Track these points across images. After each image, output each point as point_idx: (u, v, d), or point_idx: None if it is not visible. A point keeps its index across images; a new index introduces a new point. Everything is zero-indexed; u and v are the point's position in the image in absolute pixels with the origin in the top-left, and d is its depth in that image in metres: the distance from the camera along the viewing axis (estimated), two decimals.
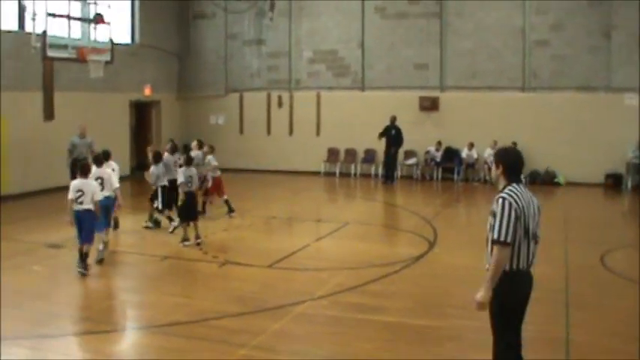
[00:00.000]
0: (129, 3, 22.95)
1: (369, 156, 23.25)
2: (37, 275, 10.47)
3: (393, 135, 21.66)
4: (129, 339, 7.98)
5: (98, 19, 16.64)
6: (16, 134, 17.85)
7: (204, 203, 15.00)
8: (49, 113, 19.07)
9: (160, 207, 13.69)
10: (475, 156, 21.72)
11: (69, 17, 16.28)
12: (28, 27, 16.40)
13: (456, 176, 22.25)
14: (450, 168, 22.33)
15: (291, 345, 7.53)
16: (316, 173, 23.49)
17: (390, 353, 7.21)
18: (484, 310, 5.22)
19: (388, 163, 21.94)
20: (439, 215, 16.04)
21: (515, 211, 5.15)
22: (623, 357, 7.01)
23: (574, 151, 20.81)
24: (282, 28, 24.32)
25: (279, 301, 8.96)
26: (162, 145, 18.79)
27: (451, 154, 22.31)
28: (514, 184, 5.35)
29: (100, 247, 10.89)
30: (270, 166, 24.13)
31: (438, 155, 22.36)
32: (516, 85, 21.74)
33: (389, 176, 21.89)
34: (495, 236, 5.13)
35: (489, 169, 19.50)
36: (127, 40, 22.89)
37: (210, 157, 15.16)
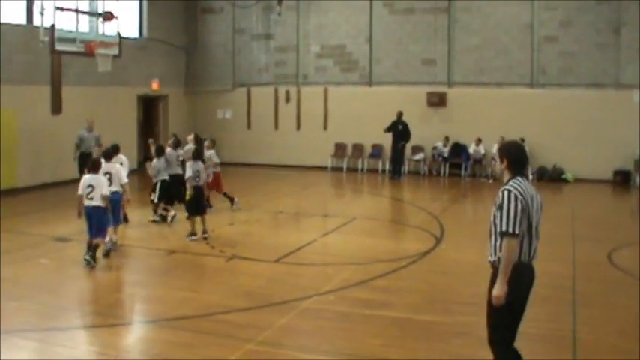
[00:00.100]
0: None
1: (377, 151, 23.22)
2: (45, 268, 10.51)
3: (399, 130, 21.63)
4: (136, 332, 8.00)
5: (107, 16, 16.66)
6: (25, 128, 17.92)
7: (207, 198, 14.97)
8: (57, 107, 19.12)
9: (156, 200, 13.70)
10: (482, 152, 21.67)
11: (77, 11, 16.30)
12: (37, 21, 16.43)
13: (463, 172, 22.21)
14: (457, 164, 22.28)
15: (297, 340, 7.55)
16: (323, 168, 23.49)
17: (396, 349, 7.20)
18: (502, 303, 5.25)
19: (395, 159, 21.92)
20: (446, 211, 16.02)
21: (521, 203, 5.22)
22: (629, 356, 6.97)
23: (582, 148, 20.74)
24: (290, 22, 24.30)
25: (285, 295, 8.97)
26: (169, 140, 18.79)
27: (458, 150, 22.26)
28: (518, 178, 5.40)
29: (107, 239, 10.92)
30: (278, 160, 24.14)
31: (446, 151, 22.32)
32: (524, 81, 21.67)
33: (396, 172, 21.87)
34: (504, 228, 5.19)
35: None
36: (135, 34, 22.92)
37: (211, 152, 15.11)
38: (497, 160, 5.66)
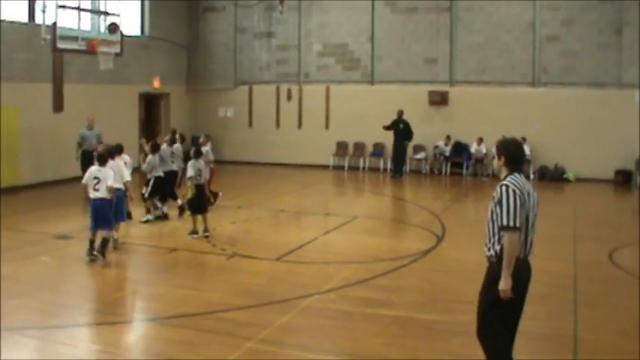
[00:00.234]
0: None
1: (378, 150, 23.22)
2: (46, 266, 10.50)
3: (401, 129, 21.62)
4: (137, 330, 8.00)
5: (112, 27, 16.71)
6: (26, 126, 17.93)
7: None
8: (58, 105, 19.13)
9: (146, 195, 13.70)
10: (484, 151, 21.65)
11: (79, 9, 16.31)
12: (39, 19, 16.44)
13: (464, 171, 22.20)
14: (458, 163, 22.27)
15: (298, 338, 7.54)
16: (325, 167, 23.49)
17: (397, 348, 7.19)
18: (510, 296, 5.28)
19: (397, 158, 21.91)
20: (448, 210, 16.01)
21: (520, 197, 5.28)
22: (630, 356, 6.96)
23: (584, 148, 20.72)
24: (291, 21, 24.29)
25: (286, 294, 8.96)
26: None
27: (460, 149, 22.25)
28: (515, 174, 5.44)
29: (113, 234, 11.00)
30: (279, 159, 24.14)
31: (447, 150, 22.31)
32: (526, 80, 21.65)
33: (397, 170, 21.86)
34: (505, 222, 5.25)
35: None
36: (137, 32, 22.91)
37: (206, 148, 15.07)
38: (495, 156, 5.70)
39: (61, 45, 15.91)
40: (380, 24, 23.20)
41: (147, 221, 13.51)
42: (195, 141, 15.66)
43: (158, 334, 7.66)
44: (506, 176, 5.44)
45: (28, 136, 18.01)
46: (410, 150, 22.48)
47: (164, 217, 14.02)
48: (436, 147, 22.51)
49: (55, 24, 15.48)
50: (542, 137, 21.09)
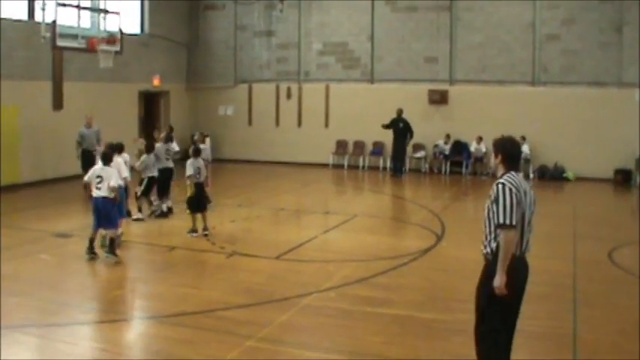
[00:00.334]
0: None
1: (378, 148, 23.22)
2: (46, 264, 10.51)
3: (400, 128, 21.62)
4: (136, 329, 8.00)
5: (110, 39, 16.72)
6: (26, 124, 17.92)
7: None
8: (58, 103, 19.12)
9: (139, 194, 13.69)
10: (484, 150, 21.63)
11: (79, 7, 16.30)
12: (38, 17, 16.43)
13: (464, 170, 22.20)
14: (458, 161, 22.27)
15: (297, 337, 7.54)
16: (324, 165, 23.48)
17: (397, 346, 7.20)
18: (505, 293, 5.30)
19: (396, 156, 21.91)
20: (447, 209, 16.01)
21: (516, 195, 5.30)
22: (630, 356, 6.96)
23: (583, 147, 20.72)
24: (291, 19, 24.28)
25: (286, 292, 8.97)
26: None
27: (460, 148, 22.25)
28: (512, 172, 5.47)
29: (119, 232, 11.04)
30: (279, 157, 24.13)
31: (447, 149, 22.30)
32: (526, 79, 21.64)
33: (397, 169, 21.86)
34: (501, 220, 5.26)
35: None
36: (137, 30, 22.90)
37: (204, 146, 15.02)
38: (492, 154, 5.72)
39: (60, 43, 15.91)
40: (380, 23, 23.19)
41: (137, 219, 13.48)
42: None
43: (158, 332, 7.66)
44: (502, 174, 5.47)
45: (28, 134, 18.01)
46: (409, 149, 22.47)
47: (165, 214, 14.02)
48: (436, 146, 22.51)
49: (54, 22, 15.47)
50: (542, 136, 21.09)
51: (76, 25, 16.20)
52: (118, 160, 11.51)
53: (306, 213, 15.81)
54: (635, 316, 8.08)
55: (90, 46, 16.63)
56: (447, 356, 6.97)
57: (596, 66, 20.73)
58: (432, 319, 8.07)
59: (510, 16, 21.68)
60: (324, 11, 23.89)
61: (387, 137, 22.09)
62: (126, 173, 11.48)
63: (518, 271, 5.41)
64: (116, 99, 21.23)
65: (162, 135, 14.93)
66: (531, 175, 20.88)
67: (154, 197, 14.21)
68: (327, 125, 24.03)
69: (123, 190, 11.35)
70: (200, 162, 12.57)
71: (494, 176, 5.57)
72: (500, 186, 5.34)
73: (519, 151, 5.65)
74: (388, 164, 22.68)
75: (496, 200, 5.32)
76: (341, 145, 23.73)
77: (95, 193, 10.38)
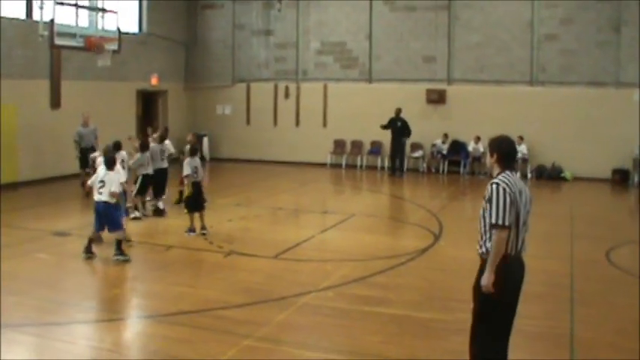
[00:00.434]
0: None
1: (376, 148, 23.22)
2: (43, 263, 10.51)
3: (398, 127, 21.63)
4: (134, 328, 8.01)
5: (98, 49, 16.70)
6: (25, 122, 17.90)
7: (181, 192, 14.42)
8: (56, 102, 19.09)
9: (134, 193, 13.69)
10: (481, 149, 21.62)
11: (77, 6, 16.28)
12: (36, 15, 16.40)
13: (462, 169, 22.22)
14: (456, 161, 22.28)
15: (295, 336, 7.54)
16: (322, 165, 23.48)
17: (395, 346, 7.21)
18: (492, 291, 5.30)
19: (395, 156, 21.91)
20: (445, 208, 16.02)
21: (510, 195, 5.30)
22: (627, 355, 6.98)
23: (581, 146, 20.74)
24: (289, 19, 24.27)
25: (284, 292, 8.97)
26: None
27: (458, 147, 22.26)
28: (507, 172, 5.48)
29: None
30: (277, 157, 24.13)
31: (445, 148, 22.32)
32: (524, 79, 21.66)
33: (395, 169, 21.87)
34: (494, 220, 5.27)
35: None
36: (135, 29, 22.88)
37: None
38: (487, 154, 5.72)
39: (58, 42, 15.87)
40: (378, 22, 23.19)
41: (135, 218, 13.47)
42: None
43: (155, 331, 7.66)
44: (498, 174, 5.48)
45: (26, 133, 17.99)
46: (407, 148, 22.47)
47: (161, 211, 14.05)
48: (434, 145, 22.52)
49: (52, 20, 15.44)
50: (539, 136, 21.11)
51: (74, 23, 16.16)
52: (117, 165, 11.51)
53: (304, 212, 15.82)
54: (632, 315, 8.09)
55: (87, 44, 16.59)
56: (445, 356, 6.98)
57: (595, 65, 20.76)
58: (430, 319, 8.08)
59: (508, 16, 21.69)
60: (322, 10, 23.89)
61: (385, 137, 22.10)
62: (123, 178, 11.46)
63: (515, 271, 5.42)
64: (114, 98, 21.21)
65: (157, 135, 14.93)
66: (529, 175, 20.90)
67: (149, 197, 14.24)
68: (325, 125, 24.04)
69: (122, 192, 11.37)
70: (197, 161, 12.57)
71: (491, 176, 5.56)
72: (494, 186, 5.35)
73: (515, 151, 5.67)
74: (386, 164, 22.69)
75: (490, 200, 5.33)
76: (339, 145, 23.73)
77: (97, 197, 10.41)
